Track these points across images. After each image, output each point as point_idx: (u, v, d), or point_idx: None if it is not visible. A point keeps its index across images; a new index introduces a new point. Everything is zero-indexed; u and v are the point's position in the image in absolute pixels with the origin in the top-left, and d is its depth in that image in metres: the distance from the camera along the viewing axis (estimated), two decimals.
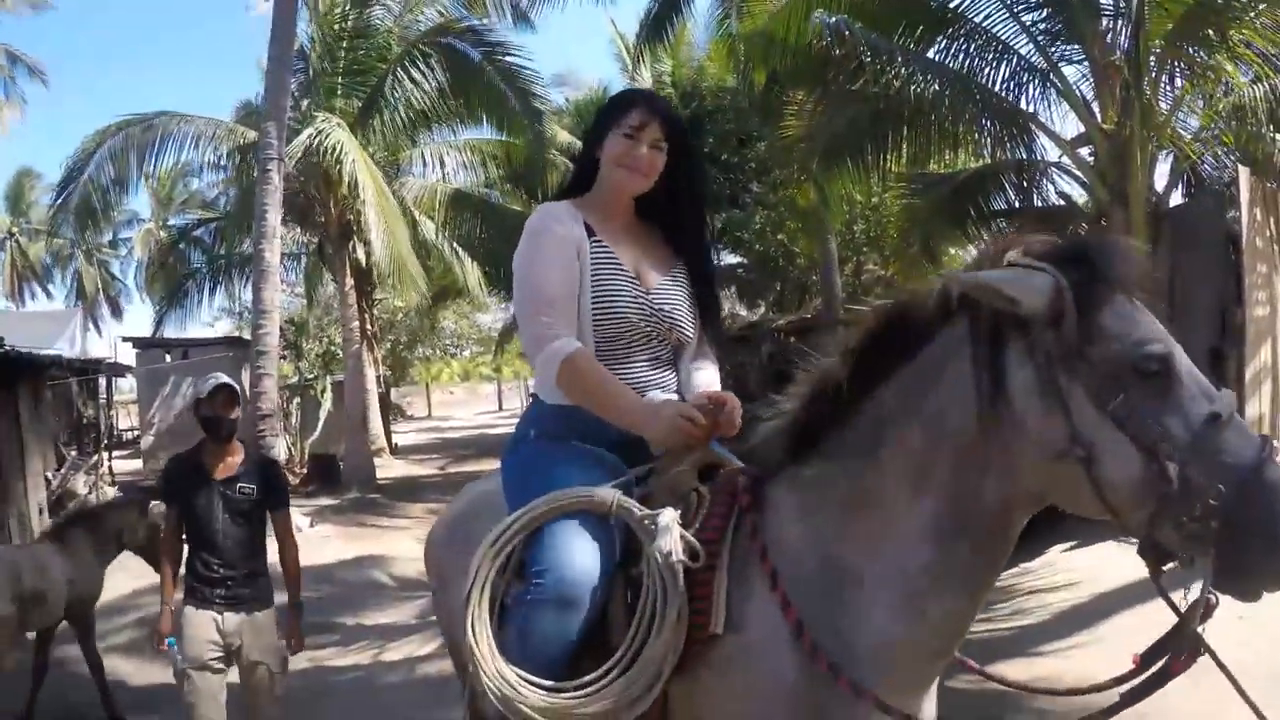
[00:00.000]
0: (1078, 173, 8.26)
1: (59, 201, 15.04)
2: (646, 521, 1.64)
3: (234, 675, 3.54)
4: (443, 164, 16.22)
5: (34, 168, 35.92)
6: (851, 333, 1.66)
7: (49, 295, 35.36)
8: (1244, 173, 6.92)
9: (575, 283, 1.88)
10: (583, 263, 1.89)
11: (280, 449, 17.57)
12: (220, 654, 3.45)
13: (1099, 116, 7.61)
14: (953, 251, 10.51)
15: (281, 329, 23.11)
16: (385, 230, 13.08)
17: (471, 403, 46.49)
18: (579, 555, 1.65)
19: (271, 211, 10.55)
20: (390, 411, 22.65)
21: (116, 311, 37.20)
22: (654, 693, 1.58)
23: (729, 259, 18.51)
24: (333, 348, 27.44)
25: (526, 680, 1.61)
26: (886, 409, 1.58)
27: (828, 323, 12.97)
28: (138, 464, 16.65)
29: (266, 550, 3.67)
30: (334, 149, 12.42)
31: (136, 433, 20.35)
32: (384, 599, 7.28)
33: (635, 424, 1.82)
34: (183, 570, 3.62)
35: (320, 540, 9.14)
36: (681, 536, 1.61)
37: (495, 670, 1.62)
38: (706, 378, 2.06)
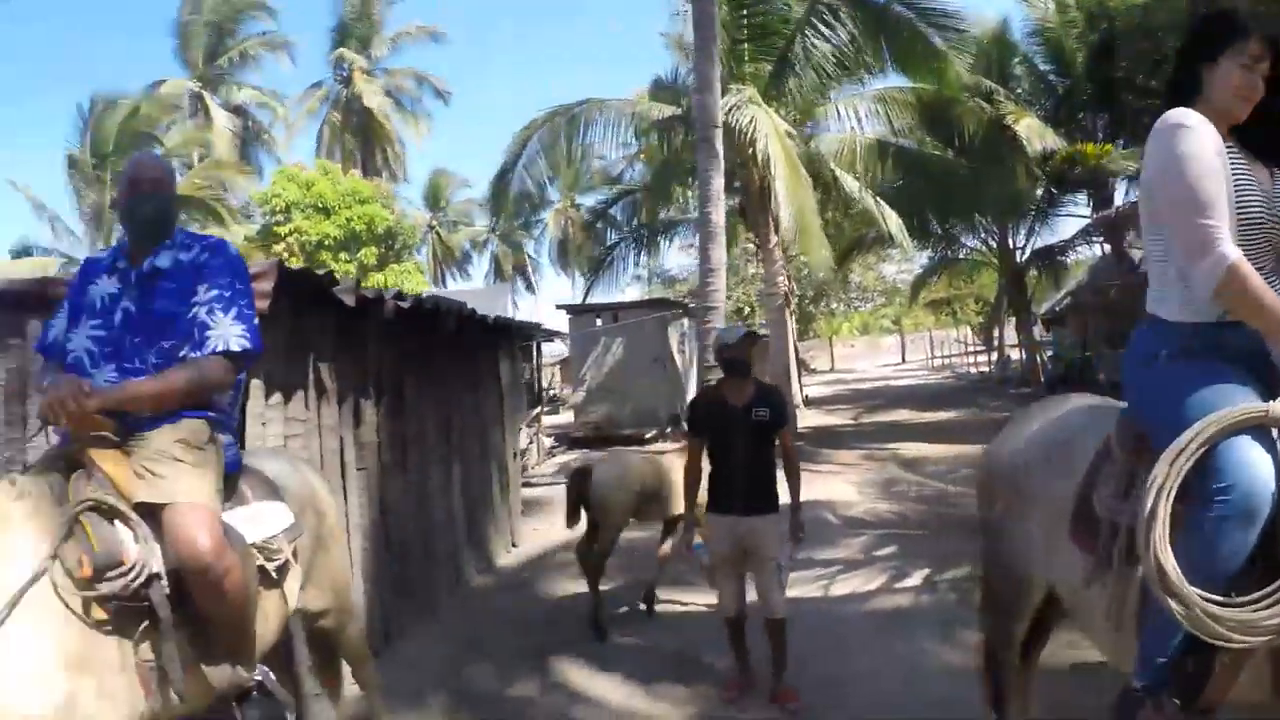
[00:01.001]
0: None
1: (497, 191, 17.62)
2: None
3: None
4: (857, 116, 16.14)
5: (448, 168, 40.01)
6: None
7: (468, 277, 39.50)
8: None
9: (1224, 186, 1.89)
10: (1225, 169, 1.91)
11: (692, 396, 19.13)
12: (738, 551, 4.18)
13: None
14: None
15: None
16: (791, 199, 13.54)
17: (872, 355, 46.28)
18: (1261, 469, 1.68)
19: (715, 177, 11.41)
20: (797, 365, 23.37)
21: (530, 286, 41.91)
22: None
23: None
24: (742, 305, 28.98)
25: (1205, 597, 1.65)
26: None
27: None
28: (565, 418, 19.23)
29: (775, 463, 4.30)
30: (748, 127, 13.08)
31: (556, 391, 23.33)
32: (831, 536, 7.60)
33: None
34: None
35: None
36: None
37: (1179, 586, 1.66)
38: None
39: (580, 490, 5.61)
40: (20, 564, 1.99)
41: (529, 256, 40.94)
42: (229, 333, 2.40)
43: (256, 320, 2.50)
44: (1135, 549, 1.78)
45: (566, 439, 16.09)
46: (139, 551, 2.14)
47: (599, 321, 17.14)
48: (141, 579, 2.12)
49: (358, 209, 21.69)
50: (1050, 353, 22.38)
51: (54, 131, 62.11)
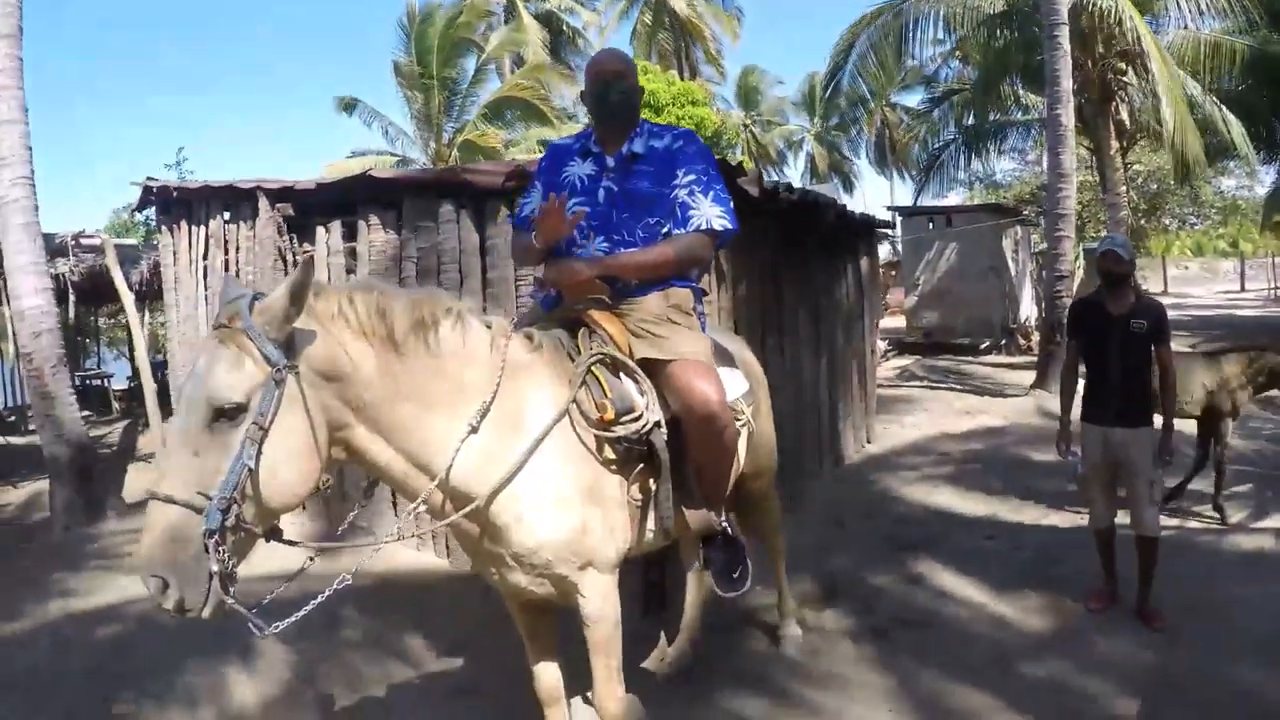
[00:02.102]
0: None
1: (830, 91, 17.32)
2: None
3: None
4: (1199, 8, 13.65)
5: (759, 66, 38.41)
6: None
7: (784, 176, 38.77)
8: None
9: None
10: None
11: (1026, 308, 17.81)
12: (1109, 463, 4.15)
13: None
14: None
15: (1038, 195, 22.95)
16: (1169, 88, 12.02)
17: (1207, 280, 40.32)
18: None
19: (1064, 77, 10.62)
20: None
21: (848, 187, 40.70)
22: None
23: None
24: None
25: None
26: None
27: None
28: (895, 322, 18.68)
29: (1151, 376, 4.16)
30: (1108, 10, 11.89)
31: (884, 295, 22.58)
32: (1179, 463, 6.93)
33: None
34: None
35: None
36: None
37: None
38: None
39: None
40: (544, 406, 2.29)
41: (844, 156, 39.69)
42: (709, 213, 2.55)
43: (731, 203, 2.62)
44: None
45: (898, 344, 15.73)
46: (644, 401, 2.40)
47: (930, 225, 16.44)
48: (649, 425, 2.38)
49: (689, 109, 22.02)
50: None
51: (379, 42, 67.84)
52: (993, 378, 11.91)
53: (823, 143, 37.85)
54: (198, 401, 1.82)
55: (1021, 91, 16.76)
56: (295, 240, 5.70)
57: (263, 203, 5.84)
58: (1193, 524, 5.60)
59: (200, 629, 3.79)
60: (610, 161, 2.63)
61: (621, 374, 2.42)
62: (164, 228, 7.23)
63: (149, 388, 7.46)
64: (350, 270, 5.38)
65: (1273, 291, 32.03)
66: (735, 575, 2.75)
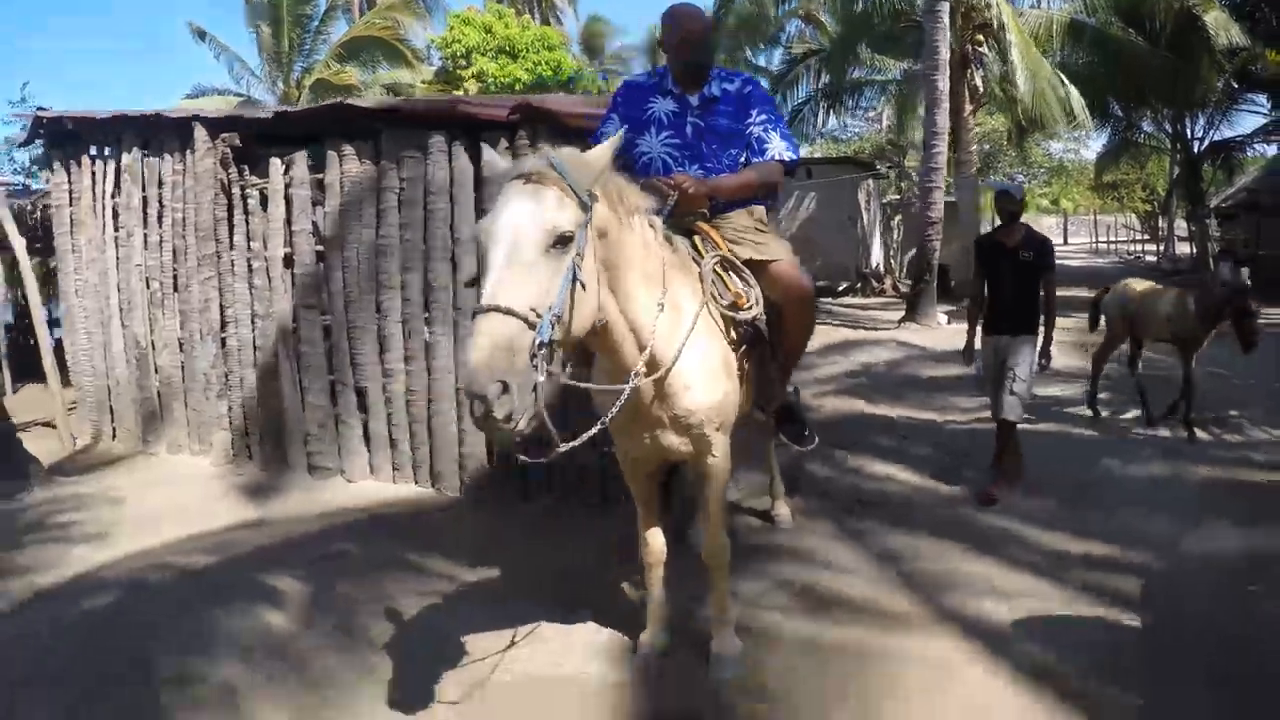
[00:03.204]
0: None
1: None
2: None
3: None
4: None
5: (603, 15, 39.48)
6: None
7: None
8: None
9: None
10: None
11: (876, 255, 19.35)
12: (999, 362, 4.97)
13: None
14: None
15: (885, 151, 24.63)
16: (1027, 64, 13.46)
17: None
18: None
19: (942, 47, 11.75)
20: None
21: None
22: None
23: None
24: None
25: None
26: None
27: None
28: None
29: (1037, 297, 5.00)
30: None
31: None
32: (1045, 379, 8.13)
33: None
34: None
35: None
36: None
37: None
38: None
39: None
40: (691, 296, 2.73)
41: None
42: (779, 147, 3.10)
43: (794, 139, 3.19)
44: None
45: None
46: (754, 293, 2.94)
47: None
48: (759, 311, 2.92)
49: (545, 54, 21.95)
50: (1219, 248, 21.47)
51: None
52: (860, 315, 13.03)
53: None
54: (533, 230, 2.06)
55: (876, 56, 18.14)
56: (247, 173, 5.55)
57: (200, 133, 5.63)
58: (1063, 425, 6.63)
59: (186, 586, 3.83)
60: (694, 101, 3.09)
61: (731, 272, 2.91)
62: (56, 164, 6.70)
63: (45, 344, 6.86)
64: (317, 202, 5.33)
65: (1095, 245, 35.92)
66: (805, 434, 3.39)
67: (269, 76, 20.94)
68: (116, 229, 6.34)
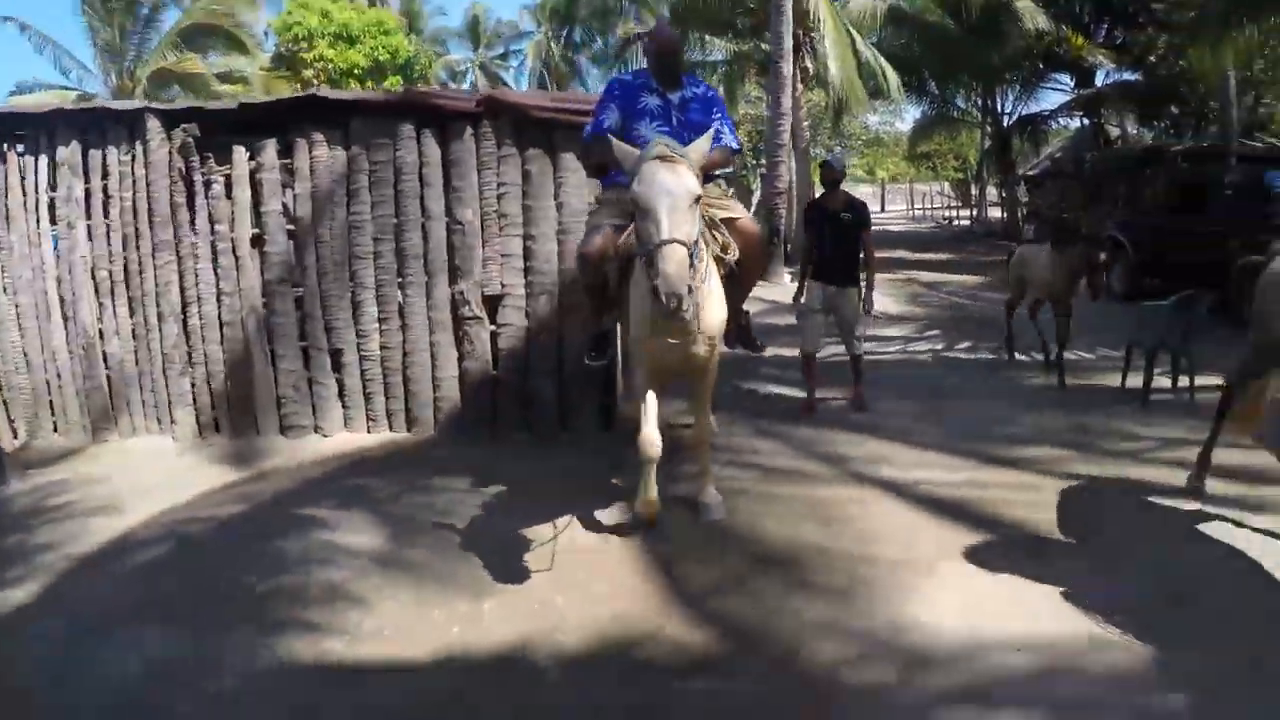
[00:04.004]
0: None
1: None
2: None
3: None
4: None
5: None
6: None
7: None
8: None
9: None
10: None
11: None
12: (823, 308, 6.04)
13: None
14: None
15: None
16: (839, 54, 15.21)
17: None
18: None
19: (786, 37, 13.20)
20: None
21: None
22: None
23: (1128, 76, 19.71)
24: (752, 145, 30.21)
25: None
26: None
27: (1224, 151, 12.73)
28: None
29: (858, 253, 6.06)
30: None
31: None
32: (883, 324, 9.96)
33: None
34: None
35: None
36: None
37: None
38: None
39: None
40: (703, 244, 3.67)
41: (507, 86, 40.76)
42: (730, 138, 4.18)
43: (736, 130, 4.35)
44: None
45: None
46: (731, 242, 4.01)
47: None
48: (736, 253, 3.98)
49: (383, 39, 21.92)
50: (1026, 211, 24.45)
51: None
52: None
53: (486, 73, 39.26)
54: (683, 191, 3.23)
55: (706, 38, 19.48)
56: (212, 161, 5.86)
57: (153, 124, 5.89)
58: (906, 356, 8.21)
59: (243, 524, 4.40)
60: (675, 99, 4.12)
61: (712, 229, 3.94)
62: None
63: None
64: (286, 185, 5.75)
65: (911, 211, 39.05)
66: (758, 344, 4.61)
67: (102, 69, 19.82)
68: (54, 221, 6.41)
